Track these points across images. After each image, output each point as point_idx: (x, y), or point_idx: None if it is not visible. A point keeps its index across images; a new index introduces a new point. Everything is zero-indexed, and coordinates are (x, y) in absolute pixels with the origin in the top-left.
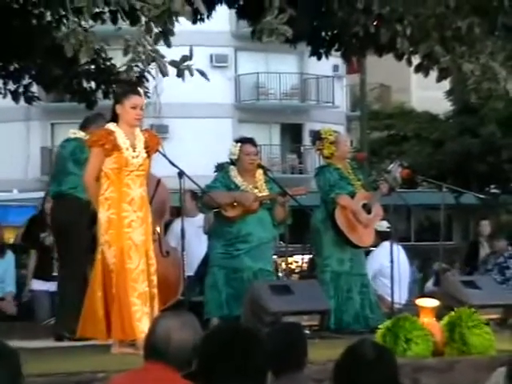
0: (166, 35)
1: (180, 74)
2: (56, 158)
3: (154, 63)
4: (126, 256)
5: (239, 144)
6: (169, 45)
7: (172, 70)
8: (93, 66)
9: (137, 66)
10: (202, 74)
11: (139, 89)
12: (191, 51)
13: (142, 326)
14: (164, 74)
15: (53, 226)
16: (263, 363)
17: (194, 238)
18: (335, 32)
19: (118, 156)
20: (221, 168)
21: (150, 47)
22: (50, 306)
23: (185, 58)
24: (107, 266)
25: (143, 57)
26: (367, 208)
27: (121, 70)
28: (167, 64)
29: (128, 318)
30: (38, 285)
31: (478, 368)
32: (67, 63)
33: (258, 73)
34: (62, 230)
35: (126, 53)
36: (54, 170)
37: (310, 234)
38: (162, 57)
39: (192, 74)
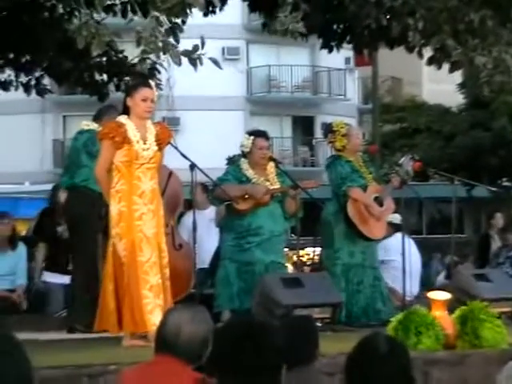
0: (174, 31)
1: (193, 64)
2: (69, 150)
3: (166, 54)
4: (138, 248)
5: (252, 137)
6: (177, 41)
7: (185, 60)
8: (104, 59)
9: (148, 58)
10: (215, 62)
11: (150, 81)
12: (203, 41)
13: (154, 319)
14: (177, 63)
15: (66, 218)
16: (276, 359)
17: (204, 231)
18: (347, 25)
19: (128, 149)
20: (232, 161)
21: (162, 38)
22: (63, 298)
23: (196, 48)
24: (118, 259)
25: (155, 47)
26: (379, 201)
27: (134, 61)
28: (180, 55)
29: (139, 310)
30: (51, 277)
31: (490, 361)
32: (79, 56)
33: (269, 65)
34: (75, 222)
35: (138, 44)
36: (66, 162)
37: (321, 227)
38: (175, 47)
39: (202, 64)
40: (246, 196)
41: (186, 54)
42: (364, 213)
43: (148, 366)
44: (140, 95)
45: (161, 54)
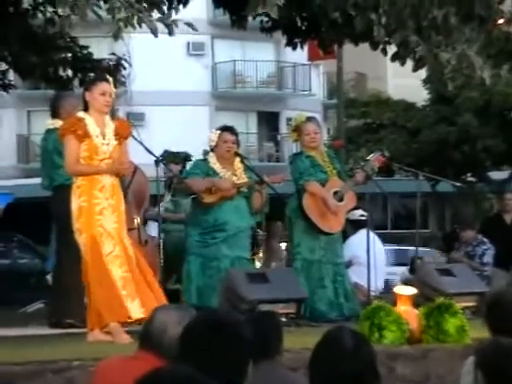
0: (158, 5)
1: (169, 30)
2: (41, 151)
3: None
4: (99, 241)
5: (218, 131)
6: (163, 13)
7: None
8: (69, 54)
9: (115, 35)
10: (189, 25)
11: (108, 76)
12: (170, 6)
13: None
14: (155, 34)
15: (55, 217)
16: (244, 351)
17: None
18: (312, 21)
19: (88, 143)
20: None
21: (136, 5)
22: None
23: (169, 14)
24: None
25: (129, 15)
26: (339, 195)
27: (109, 35)
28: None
29: (117, 298)
30: None
31: (453, 356)
32: (43, 50)
33: (234, 60)
34: (63, 220)
35: (112, 14)
36: (42, 164)
37: (285, 223)
38: (150, 15)
39: (177, 26)
40: (213, 189)
41: (161, 20)
42: (322, 207)
43: (128, 360)
44: (98, 89)
45: (135, 22)
